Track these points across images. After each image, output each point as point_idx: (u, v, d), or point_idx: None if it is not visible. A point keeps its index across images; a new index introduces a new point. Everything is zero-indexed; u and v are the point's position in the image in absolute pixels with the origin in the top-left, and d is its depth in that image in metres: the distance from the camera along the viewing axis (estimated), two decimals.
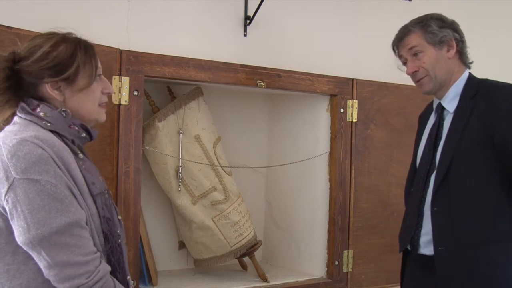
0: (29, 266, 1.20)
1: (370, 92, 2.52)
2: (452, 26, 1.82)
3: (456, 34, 1.81)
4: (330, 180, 2.47)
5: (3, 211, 1.18)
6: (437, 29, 1.78)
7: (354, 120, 2.47)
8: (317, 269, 2.50)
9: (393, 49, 1.89)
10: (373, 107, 2.52)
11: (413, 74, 1.83)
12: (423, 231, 1.78)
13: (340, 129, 2.44)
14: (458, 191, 1.71)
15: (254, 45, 2.41)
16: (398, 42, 1.85)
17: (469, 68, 1.86)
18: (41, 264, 1.17)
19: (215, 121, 2.40)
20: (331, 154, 2.47)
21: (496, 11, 3.26)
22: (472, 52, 3.33)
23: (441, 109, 1.83)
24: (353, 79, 2.48)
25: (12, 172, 1.15)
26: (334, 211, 2.44)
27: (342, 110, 2.44)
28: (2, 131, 1.26)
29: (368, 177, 2.51)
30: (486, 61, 3.17)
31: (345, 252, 2.46)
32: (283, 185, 2.69)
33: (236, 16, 2.39)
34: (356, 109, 2.47)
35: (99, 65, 1.37)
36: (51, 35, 1.31)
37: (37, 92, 1.29)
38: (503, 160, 1.67)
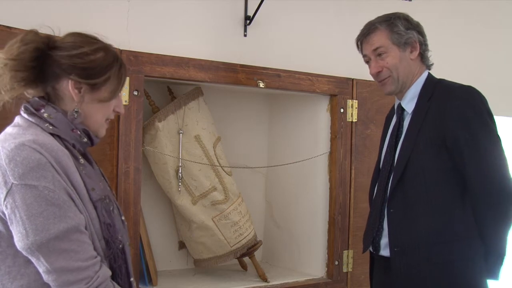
0: (29, 269, 1.20)
1: (370, 92, 2.52)
2: (417, 28, 1.82)
3: (420, 37, 1.82)
4: (330, 180, 2.47)
5: (2, 216, 1.18)
6: (403, 30, 1.78)
7: (354, 120, 2.47)
8: (317, 269, 2.50)
9: (357, 45, 1.89)
10: (373, 107, 2.52)
11: (376, 75, 1.83)
12: (384, 233, 1.79)
13: (340, 129, 2.44)
14: (413, 192, 1.72)
15: (254, 45, 2.41)
16: (363, 38, 1.85)
17: (429, 69, 1.87)
18: (40, 269, 1.17)
19: (215, 121, 2.40)
20: (331, 154, 2.47)
21: (495, 10, 3.26)
22: (470, 51, 3.33)
23: (401, 109, 1.84)
24: (353, 79, 2.48)
25: (10, 178, 1.15)
26: (334, 211, 2.44)
27: (342, 110, 2.44)
28: (2, 133, 1.25)
29: (368, 177, 2.50)
30: (485, 61, 3.17)
31: (345, 252, 2.46)
32: (283, 185, 2.69)
33: (236, 16, 2.39)
34: (356, 109, 2.47)
35: (124, 85, 1.39)
36: (94, 39, 1.32)
37: (56, 84, 1.29)
38: (456, 161, 1.68)
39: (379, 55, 1.80)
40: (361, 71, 2.60)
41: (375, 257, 1.89)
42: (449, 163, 1.69)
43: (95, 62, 1.29)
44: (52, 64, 1.27)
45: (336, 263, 2.43)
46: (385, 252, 1.79)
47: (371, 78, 2.54)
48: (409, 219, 1.72)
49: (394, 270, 1.74)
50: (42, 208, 1.15)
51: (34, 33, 1.28)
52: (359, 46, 1.88)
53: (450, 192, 1.70)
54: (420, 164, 1.71)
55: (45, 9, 1.91)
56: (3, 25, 1.66)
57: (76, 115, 1.29)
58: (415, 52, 1.80)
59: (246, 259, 2.49)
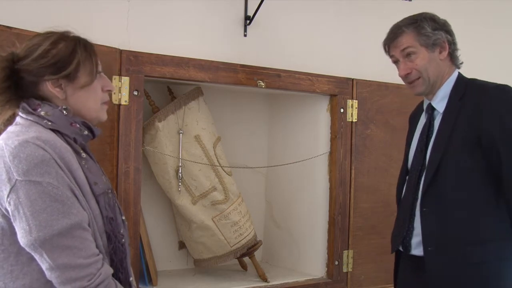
0: (32, 267, 1.20)
1: (370, 92, 2.52)
2: (445, 28, 1.81)
3: (448, 36, 1.80)
4: (330, 180, 2.47)
5: (6, 213, 1.18)
6: (431, 31, 1.77)
7: (354, 120, 2.47)
8: (317, 269, 2.50)
9: (384, 48, 1.88)
10: (373, 107, 2.52)
11: (405, 76, 1.82)
12: (415, 232, 1.78)
13: (340, 129, 2.44)
14: (446, 191, 1.71)
15: (254, 45, 2.41)
16: (390, 42, 1.83)
17: (459, 68, 1.86)
18: (43, 266, 1.17)
19: (215, 121, 2.40)
20: (331, 154, 2.47)
21: (495, 10, 3.26)
22: (470, 50, 3.33)
23: (431, 109, 1.83)
24: (353, 79, 2.48)
25: (14, 174, 1.15)
26: (334, 211, 2.44)
27: (342, 110, 2.44)
28: (5, 132, 1.25)
29: (368, 177, 2.51)
30: (485, 60, 3.17)
31: (345, 252, 2.46)
32: (283, 185, 2.69)
33: (236, 16, 2.39)
34: (356, 109, 2.47)
35: (99, 62, 1.37)
36: (49, 34, 1.31)
37: (37, 91, 1.29)
38: (491, 160, 1.67)
39: (408, 55, 1.79)
40: (361, 71, 2.60)
41: (402, 257, 1.88)
42: (483, 162, 1.68)
43: (58, 54, 1.28)
44: (24, 75, 1.28)
45: (336, 263, 2.43)
46: (416, 251, 1.78)
47: (371, 78, 2.56)
48: (442, 218, 1.71)
49: (428, 269, 1.72)
50: (46, 204, 1.16)
51: None
52: (386, 49, 1.87)
53: (484, 191, 1.69)
54: (453, 163, 1.70)
55: (45, 9, 1.91)
56: (3, 25, 1.66)
57: (66, 112, 1.29)
58: (444, 52, 1.79)
59: (246, 259, 2.49)
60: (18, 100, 1.29)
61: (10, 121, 1.30)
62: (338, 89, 2.44)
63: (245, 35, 2.40)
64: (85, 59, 1.32)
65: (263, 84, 2.24)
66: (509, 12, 3.33)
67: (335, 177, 2.44)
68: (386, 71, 2.70)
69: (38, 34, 1.32)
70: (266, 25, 2.45)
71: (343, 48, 2.65)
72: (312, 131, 2.55)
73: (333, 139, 2.47)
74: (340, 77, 2.46)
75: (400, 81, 2.64)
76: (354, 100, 2.47)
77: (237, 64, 2.20)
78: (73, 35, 1.34)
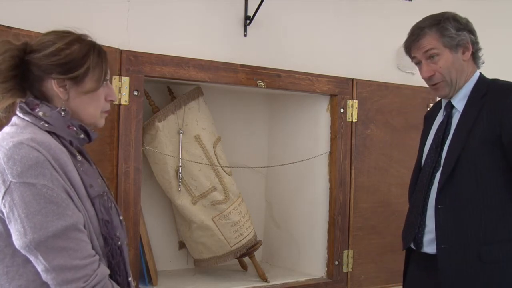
0: (28, 268, 1.19)
1: (370, 92, 2.52)
2: (468, 28, 1.79)
3: (471, 36, 1.78)
4: (330, 180, 2.47)
5: (1, 215, 1.18)
6: (455, 33, 1.75)
7: (354, 120, 2.47)
8: (317, 269, 2.50)
9: (405, 49, 1.85)
10: (373, 107, 2.52)
11: (428, 78, 1.80)
12: (426, 229, 1.77)
13: (340, 129, 2.44)
14: (463, 190, 1.70)
15: (254, 45, 2.41)
16: (412, 44, 1.80)
17: (479, 68, 1.85)
18: (39, 268, 1.17)
19: (215, 121, 2.40)
20: (331, 154, 2.47)
21: (495, 10, 3.26)
22: None
23: (450, 107, 1.82)
24: (353, 79, 2.48)
25: (9, 176, 1.15)
26: (334, 211, 2.44)
27: (342, 110, 2.44)
28: (0, 133, 1.25)
29: (368, 177, 2.51)
30: (486, 61, 3.17)
31: (345, 252, 2.46)
32: (283, 185, 2.69)
33: (236, 16, 2.39)
34: (356, 109, 2.47)
35: (109, 70, 1.37)
36: (66, 33, 1.31)
37: (41, 87, 1.29)
38: (511, 158, 1.66)
39: (431, 57, 1.76)
40: (361, 71, 2.60)
41: (413, 255, 1.87)
42: (502, 162, 1.67)
43: (71, 55, 1.28)
44: (32, 68, 1.27)
45: (336, 263, 2.43)
46: (429, 249, 1.76)
47: (371, 78, 2.56)
48: (458, 216, 1.70)
49: (441, 267, 1.71)
50: (40, 206, 1.15)
51: (7, 41, 1.28)
52: (408, 51, 1.85)
53: (502, 191, 1.68)
54: (472, 161, 1.69)
55: (45, 9, 1.91)
56: (3, 25, 1.66)
57: (63, 113, 1.29)
58: (467, 53, 1.77)
59: (246, 259, 2.49)
60: (21, 91, 1.29)
61: (8, 110, 1.30)
62: (338, 89, 2.44)
63: (245, 35, 2.40)
64: (96, 65, 1.32)
65: (263, 84, 2.24)
66: (509, 12, 3.33)
67: (335, 177, 2.44)
68: (386, 71, 2.71)
69: (55, 31, 1.32)
70: (266, 25, 2.45)
71: (343, 48, 2.65)
72: (312, 131, 2.55)
73: (333, 139, 2.47)
74: (340, 77, 2.46)
75: (400, 81, 2.66)
76: (354, 100, 2.47)
77: (237, 64, 2.20)
78: (89, 39, 1.34)
